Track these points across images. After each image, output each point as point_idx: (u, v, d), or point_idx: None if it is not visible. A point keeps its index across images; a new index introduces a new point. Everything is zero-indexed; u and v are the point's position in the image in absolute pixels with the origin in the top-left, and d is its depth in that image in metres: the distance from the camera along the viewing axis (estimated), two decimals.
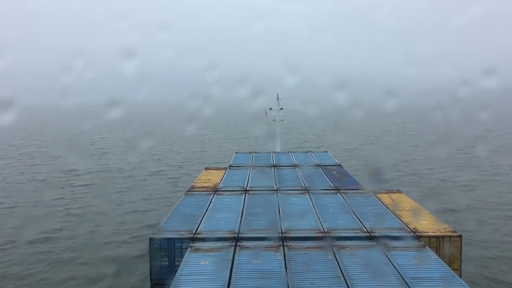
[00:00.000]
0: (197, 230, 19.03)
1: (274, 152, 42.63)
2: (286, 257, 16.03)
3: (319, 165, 34.60)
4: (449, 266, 16.11)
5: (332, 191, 25.96)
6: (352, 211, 21.68)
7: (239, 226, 19.41)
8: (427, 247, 17.17)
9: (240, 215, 21.19)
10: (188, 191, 26.77)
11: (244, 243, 17.41)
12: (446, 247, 18.09)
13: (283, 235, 18.23)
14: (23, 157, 78.51)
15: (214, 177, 30.56)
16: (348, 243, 17.43)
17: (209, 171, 33.82)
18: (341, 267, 15.07)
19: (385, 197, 24.50)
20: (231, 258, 15.96)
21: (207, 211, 21.99)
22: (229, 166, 35.27)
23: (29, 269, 29.08)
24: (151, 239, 18.41)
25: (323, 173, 31.61)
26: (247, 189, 26.71)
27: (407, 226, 19.33)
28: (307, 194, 25.25)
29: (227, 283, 14.04)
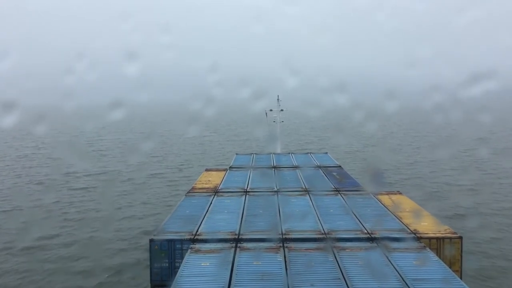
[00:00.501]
0: (197, 231, 19.01)
1: (274, 154, 42.63)
2: (286, 258, 16.02)
3: (319, 167, 34.59)
4: (450, 267, 16.10)
5: (333, 192, 25.94)
6: (353, 212, 21.65)
7: (240, 228, 19.39)
8: (427, 248, 17.15)
9: (240, 216, 21.17)
10: (188, 192, 26.75)
11: (245, 245, 17.40)
12: (447, 249, 18.06)
13: (284, 236, 18.20)
14: (21, 159, 77.56)
15: (214, 179, 30.54)
16: (348, 244, 17.41)
17: (209, 172, 33.81)
18: (341, 269, 15.04)
19: (385, 199, 24.48)
20: (232, 259, 15.95)
21: (208, 212, 21.97)
22: (230, 167, 35.26)
23: (22, 277, 28.27)
24: (151, 240, 18.39)
25: (323, 174, 31.60)
26: (248, 190, 26.68)
27: (408, 228, 19.31)
28: (307, 195, 25.24)
29: (227, 285, 14.02)
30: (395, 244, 17.23)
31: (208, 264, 15.75)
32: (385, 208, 22.62)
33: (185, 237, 18.36)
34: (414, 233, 18.56)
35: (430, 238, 18.19)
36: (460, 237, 18.33)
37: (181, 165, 70.04)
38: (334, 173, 31.87)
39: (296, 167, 34.86)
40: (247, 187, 27.49)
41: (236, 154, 44.22)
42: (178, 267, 16.06)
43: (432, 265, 15.54)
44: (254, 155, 42.14)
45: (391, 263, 15.53)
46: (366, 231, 18.78)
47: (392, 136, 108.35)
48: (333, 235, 18.31)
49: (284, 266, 15.39)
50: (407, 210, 22.27)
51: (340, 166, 35.46)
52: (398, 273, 14.65)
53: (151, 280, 18.30)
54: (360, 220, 20.33)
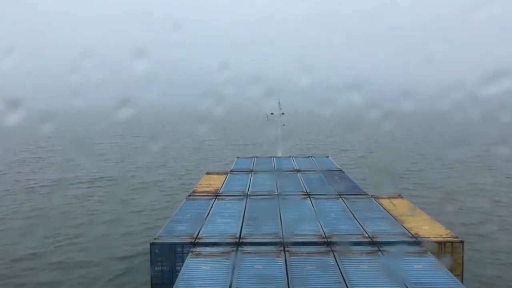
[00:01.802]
0: (198, 235, 19.01)
1: (275, 157, 42.66)
2: (287, 262, 16.00)
3: (320, 170, 34.57)
4: (451, 272, 16.04)
5: (334, 196, 25.89)
6: (354, 216, 21.64)
7: (240, 231, 19.39)
8: (429, 252, 17.10)
9: (241, 220, 21.16)
10: (189, 195, 26.76)
11: (246, 248, 17.38)
12: (448, 253, 18.02)
13: (284, 240, 18.19)
14: (14, 164, 74.79)
15: (215, 182, 30.55)
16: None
17: (210, 175, 33.82)
18: (342, 273, 15.02)
19: (386, 202, 24.46)
20: (232, 263, 15.94)
21: (208, 216, 21.98)
22: (231, 170, 35.27)
23: None
24: (152, 244, 18.39)
25: (324, 178, 31.58)
26: (249, 194, 26.71)
27: (409, 232, 19.27)
28: (308, 199, 25.23)
29: None
30: (396, 248, 17.19)
31: (208, 267, 15.74)
32: (386, 212, 22.60)
33: (186, 241, 18.34)
34: (415, 237, 18.52)
35: (431, 242, 18.15)
36: (462, 241, 18.27)
37: (180, 172, 67.37)
38: (335, 177, 31.87)
39: (297, 170, 34.85)
40: (248, 191, 27.51)
41: (237, 157, 44.19)
42: (179, 271, 16.04)
43: (433, 269, 15.49)
44: (255, 158, 42.10)
45: (392, 267, 15.48)
46: (367, 235, 18.75)
47: (412, 139, 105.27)
48: (334, 239, 18.29)
49: (285, 270, 15.38)
50: (408, 214, 22.24)
51: (341, 170, 35.43)
52: (399, 277, 14.60)
53: (151, 284, 18.27)
54: (361, 224, 20.32)
